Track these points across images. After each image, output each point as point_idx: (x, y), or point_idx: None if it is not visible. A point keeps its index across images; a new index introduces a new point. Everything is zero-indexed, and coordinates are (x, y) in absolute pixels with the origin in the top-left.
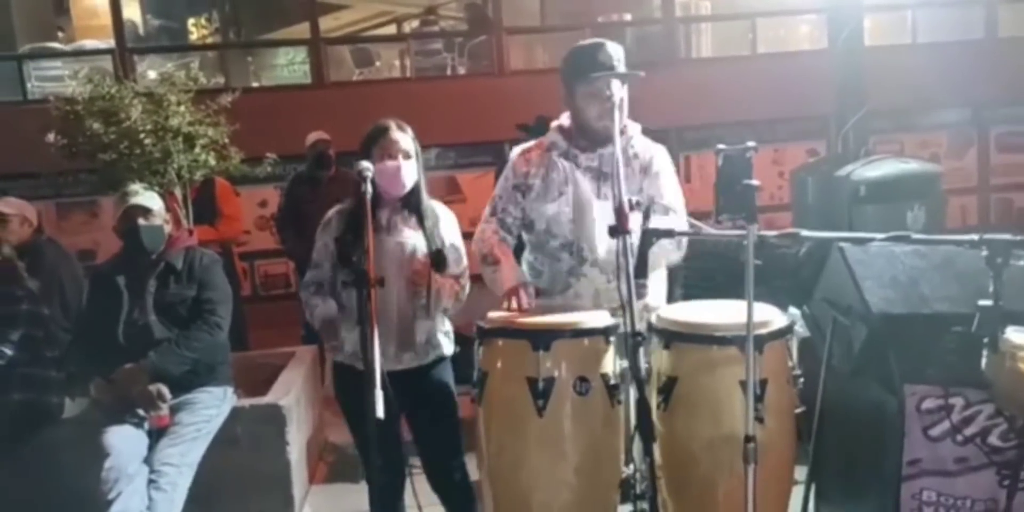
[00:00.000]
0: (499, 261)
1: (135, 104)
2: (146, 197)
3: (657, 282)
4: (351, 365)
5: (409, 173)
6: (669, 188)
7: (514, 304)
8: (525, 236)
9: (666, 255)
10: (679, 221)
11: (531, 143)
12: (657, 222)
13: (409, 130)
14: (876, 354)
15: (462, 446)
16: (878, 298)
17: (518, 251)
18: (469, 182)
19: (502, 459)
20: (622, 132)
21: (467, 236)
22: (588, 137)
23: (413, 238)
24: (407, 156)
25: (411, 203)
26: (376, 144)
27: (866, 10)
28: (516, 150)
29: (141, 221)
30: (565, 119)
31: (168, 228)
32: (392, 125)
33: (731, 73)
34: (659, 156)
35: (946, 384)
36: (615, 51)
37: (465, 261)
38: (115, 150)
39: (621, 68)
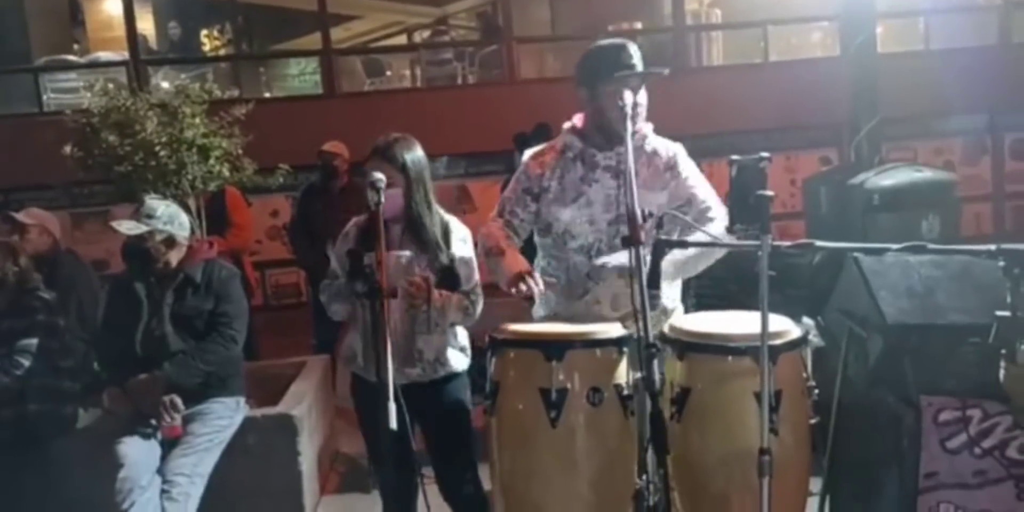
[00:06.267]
0: (503, 252)
1: (150, 117)
2: (131, 224)
3: (674, 284)
4: (363, 376)
5: (388, 203)
6: (700, 185)
7: (523, 288)
8: (539, 240)
9: (712, 256)
10: (721, 218)
11: (543, 145)
12: (711, 228)
13: (395, 153)
14: (892, 365)
15: (475, 460)
16: (894, 309)
17: (528, 257)
18: (480, 191)
19: (514, 470)
20: (635, 133)
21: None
22: (606, 136)
23: (414, 252)
24: (384, 186)
25: (412, 223)
26: None
27: (879, 17)
28: (528, 153)
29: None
30: (577, 120)
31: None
32: (373, 155)
33: (742, 81)
34: (681, 153)
35: (963, 396)
36: (635, 51)
37: (476, 277)
38: (130, 162)
39: (641, 68)
